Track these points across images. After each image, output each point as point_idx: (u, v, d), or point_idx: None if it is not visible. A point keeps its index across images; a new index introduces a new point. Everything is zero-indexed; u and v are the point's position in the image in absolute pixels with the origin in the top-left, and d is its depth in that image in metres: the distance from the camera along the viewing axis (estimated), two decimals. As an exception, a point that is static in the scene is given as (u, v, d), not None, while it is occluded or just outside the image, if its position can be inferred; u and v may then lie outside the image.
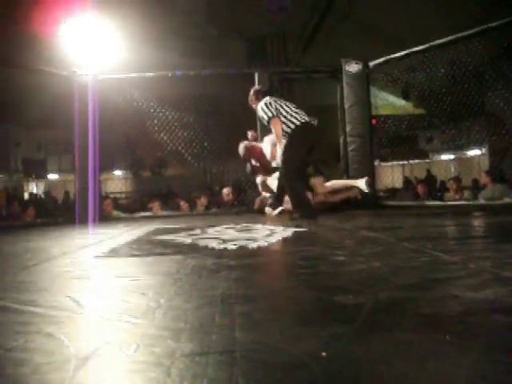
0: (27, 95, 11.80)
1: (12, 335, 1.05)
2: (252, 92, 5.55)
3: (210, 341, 0.94)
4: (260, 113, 5.19)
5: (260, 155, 6.16)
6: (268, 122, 5.10)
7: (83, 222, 6.08)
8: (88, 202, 6.29)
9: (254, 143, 6.31)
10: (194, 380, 0.74)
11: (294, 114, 5.04)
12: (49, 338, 1.01)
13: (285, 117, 5.02)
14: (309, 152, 5.09)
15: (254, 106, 5.50)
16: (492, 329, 0.97)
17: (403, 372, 0.75)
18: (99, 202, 6.72)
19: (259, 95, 5.41)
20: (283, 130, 5.02)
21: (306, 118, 5.03)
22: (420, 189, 8.87)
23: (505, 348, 0.84)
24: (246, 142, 6.25)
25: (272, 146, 5.88)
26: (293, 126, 4.97)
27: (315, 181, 6.20)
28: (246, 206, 7.20)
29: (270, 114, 5.02)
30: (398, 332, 0.95)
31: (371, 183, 6.12)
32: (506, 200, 6.16)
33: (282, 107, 5.08)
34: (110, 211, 7.57)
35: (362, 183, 5.97)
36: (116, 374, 0.81)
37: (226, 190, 8.04)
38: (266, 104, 5.10)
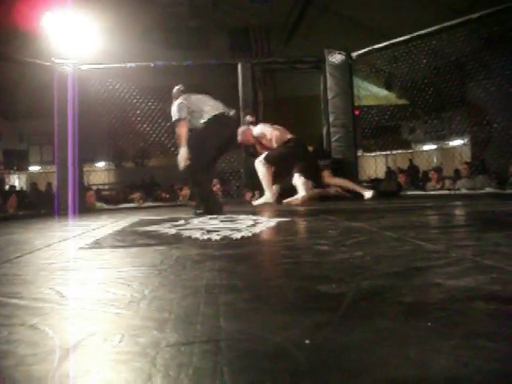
0: (9, 86, 11.66)
1: (-5, 327, 1.04)
2: (175, 91, 5.27)
3: (194, 330, 0.95)
4: (172, 111, 5.01)
5: (252, 139, 6.30)
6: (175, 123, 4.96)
7: (66, 213, 6.04)
8: (71, 192, 6.25)
9: (247, 128, 6.33)
10: (179, 369, 0.75)
11: (205, 108, 4.89)
12: (33, 330, 1.01)
13: (195, 112, 4.88)
14: (226, 144, 5.00)
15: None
16: (473, 315, 0.98)
17: (385, 359, 0.76)
18: (81, 192, 6.68)
19: (179, 94, 5.17)
20: (195, 126, 4.89)
21: (217, 112, 4.87)
22: (401, 178, 8.94)
23: (485, 334, 0.86)
24: (243, 127, 6.30)
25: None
26: (202, 121, 4.83)
27: (324, 173, 6.47)
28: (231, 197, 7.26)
29: (177, 116, 4.86)
30: (380, 320, 0.96)
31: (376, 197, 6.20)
32: (487, 189, 6.23)
33: (193, 104, 4.92)
34: (93, 203, 7.53)
35: (368, 195, 6.10)
36: (101, 364, 0.81)
37: (215, 180, 8.02)
38: (178, 105, 4.93)
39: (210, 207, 4.69)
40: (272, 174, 6.03)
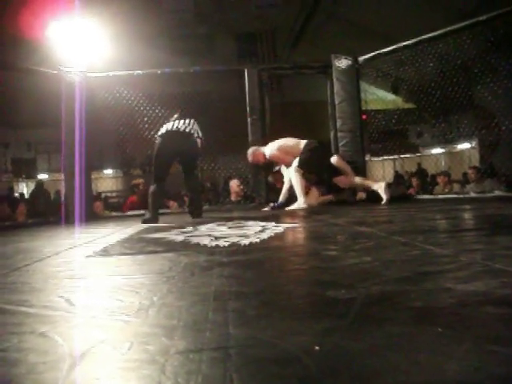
0: (16, 95, 11.73)
1: (5, 336, 1.04)
2: None
3: (203, 337, 0.95)
4: None
5: (263, 159, 6.69)
6: None
7: (74, 221, 6.06)
8: (78, 200, 6.27)
9: (259, 148, 6.73)
10: (188, 377, 0.75)
11: (162, 129, 5.35)
12: (43, 338, 1.01)
13: None
14: (176, 155, 5.28)
15: None
16: (483, 320, 0.97)
17: (396, 364, 0.75)
18: (87, 200, 6.69)
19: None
20: None
21: (163, 130, 5.27)
22: (414, 182, 8.92)
23: (496, 339, 0.85)
24: (253, 148, 6.62)
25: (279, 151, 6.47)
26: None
27: (311, 192, 6.59)
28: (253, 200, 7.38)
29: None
30: (390, 325, 0.96)
31: (389, 187, 6.23)
32: (497, 193, 6.20)
33: (163, 128, 5.38)
34: (101, 213, 7.56)
35: (381, 187, 6.13)
36: (110, 371, 0.81)
37: (236, 181, 8.05)
38: None
39: (149, 216, 5.01)
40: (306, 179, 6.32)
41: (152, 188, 5.14)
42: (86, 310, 1.28)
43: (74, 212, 6.25)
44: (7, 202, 8.17)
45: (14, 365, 0.86)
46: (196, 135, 5.30)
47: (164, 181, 5.22)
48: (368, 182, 6.48)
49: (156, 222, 4.88)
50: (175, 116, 5.47)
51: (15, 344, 0.98)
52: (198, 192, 5.58)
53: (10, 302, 1.39)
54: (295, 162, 6.27)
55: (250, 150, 6.78)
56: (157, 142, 5.25)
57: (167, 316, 1.14)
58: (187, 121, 5.35)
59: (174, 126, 5.27)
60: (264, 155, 6.59)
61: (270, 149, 6.51)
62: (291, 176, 6.30)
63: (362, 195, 6.44)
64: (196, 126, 5.37)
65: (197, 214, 5.25)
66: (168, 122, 5.42)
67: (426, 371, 0.72)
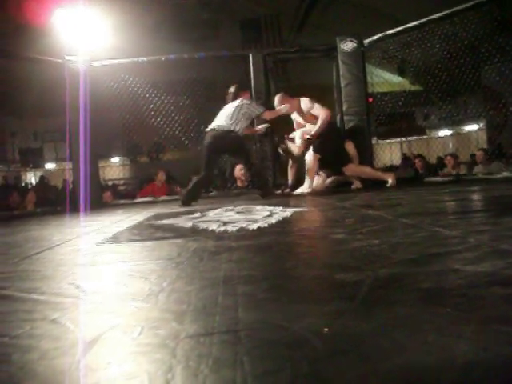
0: (21, 84, 11.72)
1: (17, 323, 1.06)
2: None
3: (213, 321, 0.95)
4: None
5: (298, 110, 6.49)
6: None
7: (82, 209, 6.08)
8: (86, 189, 6.28)
9: (287, 96, 6.51)
10: (199, 360, 0.75)
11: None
12: (54, 324, 1.02)
13: None
14: (212, 151, 5.44)
15: None
16: (491, 300, 0.97)
17: (404, 345, 0.76)
18: (95, 188, 6.69)
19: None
20: None
21: (208, 128, 5.51)
22: (417, 163, 8.87)
23: (504, 319, 0.85)
24: (281, 94, 6.49)
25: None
26: None
27: (318, 177, 6.58)
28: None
29: None
30: (398, 306, 0.96)
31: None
32: (504, 174, 6.16)
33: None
34: (111, 202, 7.59)
35: (390, 178, 6.09)
36: (121, 356, 0.82)
37: (240, 167, 8.03)
38: None
39: (186, 198, 5.30)
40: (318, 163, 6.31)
41: (199, 176, 5.44)
42: (96, 296, 1.29)
43: (81, 200, 6.26)
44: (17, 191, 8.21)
45: (27, 351, 0.87)
46: (237, 128, 5.37)
47: (208, 173, 5.50)
48: (378, 174, 6.46)
49: (187, 206, 5.09)
50: (230, 91, 5.73)
51: (27, 331, 0.99)
52: (260, 176, 5.80)
53: (22, 290, 1.40)
54: (312, 147, 6.24)
55: (277, 98, 6.50)
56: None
57: (177, 301, 1.15)
58: (229, 110, 5.48)
59: (212, 125, 5.48)
60: (299, 105, 6.45)
61: (314, 105, 6.36)
62: (307, 159, 6.27)
63: (358, 184, 6.38)
64: (245, 109, 5.49)
65: (265, 196, 5.46)
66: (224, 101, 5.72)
67: (435, 351, 0.73)
